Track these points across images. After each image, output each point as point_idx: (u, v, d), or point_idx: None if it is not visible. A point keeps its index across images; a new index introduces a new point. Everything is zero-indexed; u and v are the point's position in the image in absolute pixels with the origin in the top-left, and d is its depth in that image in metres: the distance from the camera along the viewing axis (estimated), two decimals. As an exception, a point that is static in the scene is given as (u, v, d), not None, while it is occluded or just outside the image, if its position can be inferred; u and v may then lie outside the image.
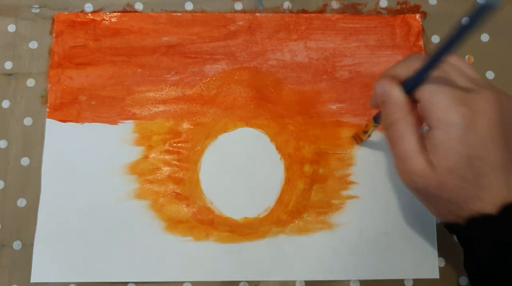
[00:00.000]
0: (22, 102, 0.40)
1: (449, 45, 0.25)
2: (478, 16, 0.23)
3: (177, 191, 0.38)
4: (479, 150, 0.27)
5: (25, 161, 0.39)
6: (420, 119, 0.29)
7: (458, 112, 0.27)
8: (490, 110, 0.27)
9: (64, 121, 0.39)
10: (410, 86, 0.29)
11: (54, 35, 0.41)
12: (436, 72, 0.27)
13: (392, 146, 0.29)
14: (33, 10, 0.41)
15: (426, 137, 0.28)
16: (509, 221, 0.27)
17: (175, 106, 0.40)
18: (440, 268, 0.37)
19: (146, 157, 0.39)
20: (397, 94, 0.29)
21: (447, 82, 0.27)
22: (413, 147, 0.28)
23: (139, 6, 0.42)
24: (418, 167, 0.28)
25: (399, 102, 0.29)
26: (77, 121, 0.39)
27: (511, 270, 0.27)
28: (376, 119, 0.34)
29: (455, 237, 0.30)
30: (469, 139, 0.27)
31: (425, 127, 0.29)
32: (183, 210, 0.38)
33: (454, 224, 0.29)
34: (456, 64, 0.29)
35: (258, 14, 0.42)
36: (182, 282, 0.37)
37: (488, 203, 0.27)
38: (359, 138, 0.39)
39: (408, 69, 0.29)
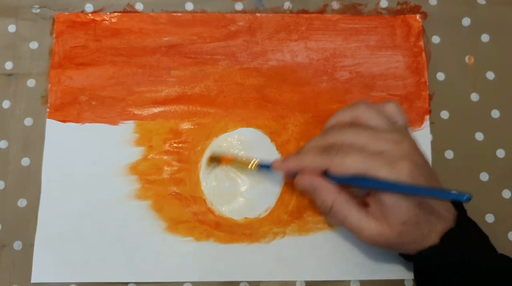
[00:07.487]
0: (22, 103, 0.40)
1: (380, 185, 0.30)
2: (442, 197, 0.26)
3: (178, 191, 0.38)
4: None
5: (25, 161, 0.39)
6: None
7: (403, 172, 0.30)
8: (416, 158, 0.31)
9: (64, 121, 0.39)
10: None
11: (54, 35, 0.41)
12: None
13: (343, 224, 0.33)
14: (33, 11, 0.41)
15: (374, 198, 0.31)
16: (448, 248, 0.31)
17: (176, 107, 0.40)
18: (440, 268, 0.37)
19: (146, 157, 0.39)
20: (325, 184, 0.32)
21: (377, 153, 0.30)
22: (359, 218, 0.32)
23: (139, 6, 0.42)
24: (373, 231, 0.32)
25: (329, 189, 0.32)
26: (77, 122, 0.39)
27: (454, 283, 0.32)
28: (260, 169, 0.37)
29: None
30: None
31: None
32: (184, 211, 0.38)
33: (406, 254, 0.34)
34: (373, 121, 0.32)
35: (258, 15, 0.42)
36: (183, 282, 0.37)
37: (437, 233, 0.31)
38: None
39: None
